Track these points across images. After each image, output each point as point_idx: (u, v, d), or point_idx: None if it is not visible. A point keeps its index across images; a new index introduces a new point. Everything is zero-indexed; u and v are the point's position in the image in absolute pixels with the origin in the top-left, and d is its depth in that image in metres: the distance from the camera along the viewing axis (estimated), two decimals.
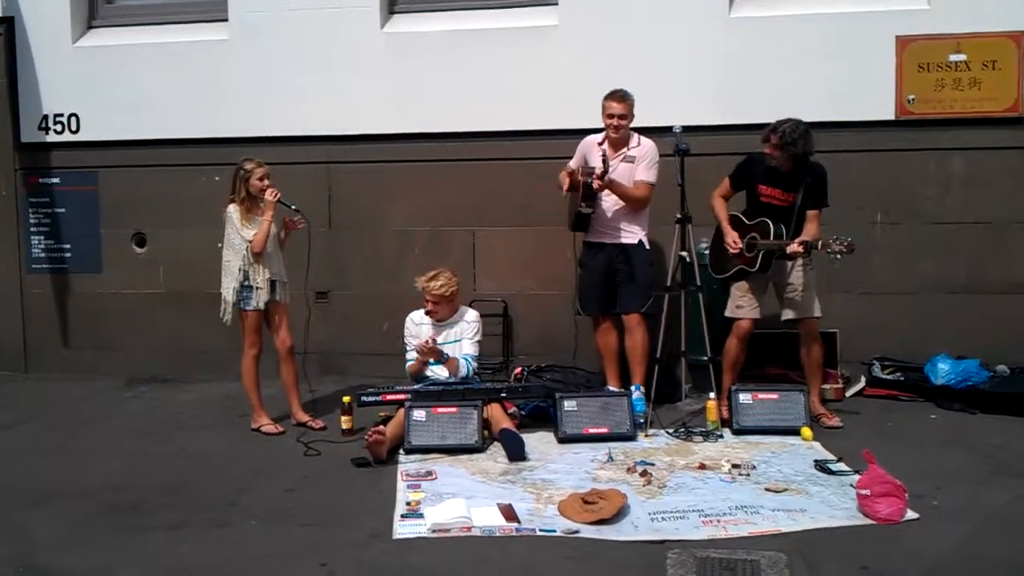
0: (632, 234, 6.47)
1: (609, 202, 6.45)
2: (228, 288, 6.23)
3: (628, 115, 6.38)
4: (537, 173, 7.18)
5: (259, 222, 6.18)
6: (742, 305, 6.28)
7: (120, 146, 8.15)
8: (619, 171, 6.37)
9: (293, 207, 6.37)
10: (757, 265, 6.15)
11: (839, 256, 5.76)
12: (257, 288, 6.20)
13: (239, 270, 6.17)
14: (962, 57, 7.02)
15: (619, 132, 6.39)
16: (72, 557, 4.33)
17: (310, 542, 4.40)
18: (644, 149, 6.43)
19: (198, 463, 5.68)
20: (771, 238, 6.06)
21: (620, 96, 6.38)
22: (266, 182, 6.23)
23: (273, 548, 4.35)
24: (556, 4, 7.55)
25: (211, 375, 7.73)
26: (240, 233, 6.16)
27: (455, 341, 6.34)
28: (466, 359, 6.28)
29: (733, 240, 6.21)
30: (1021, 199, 7.08)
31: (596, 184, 6.18)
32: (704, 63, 7.28)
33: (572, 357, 7.07)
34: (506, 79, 7.54)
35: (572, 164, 6.61)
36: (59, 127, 8.25)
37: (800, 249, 5.89)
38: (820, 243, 5.86)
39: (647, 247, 6.51)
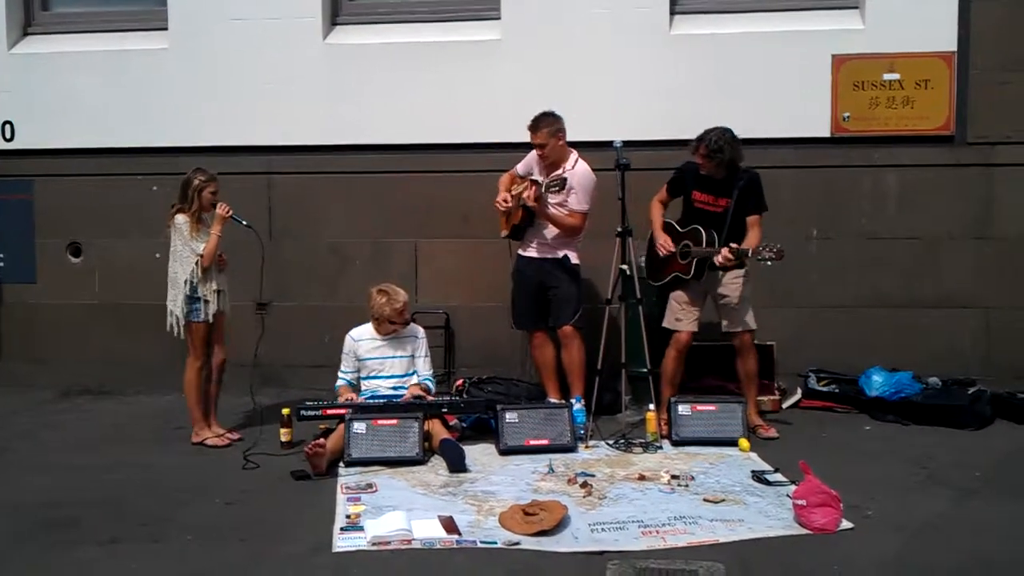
0: (559, 249, 6.48)
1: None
2: (175, 300, 6.10)
3: (548, 141, 6.35)
4: (479, 185, 7.17)
5: (208, 234, 6.10)
6: (681, 318, 6.33)
7: (55, 154, 8.00)
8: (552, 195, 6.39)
9: (244, 223, 6.24)
10: (691, 272, 6.23)
11: (769, 263, 5.86)
12: (206, 300, 6.11)
13: (186, 282, 6.06)
14: (896, 76, 7.18)
15: (545, 161, 6.40)
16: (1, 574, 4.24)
17: (249, 557, 4.34)
18: (577, 176, 6.37)
19: (134, 477, 5.58)
20: (703, 245, 6.15)
21: (533, 125, 6.38)
22: (217, 196, 6.16)
23: (211, 564, 4.30)
24: (499, 19, 7.58)
25: (148, 387, 7.60)
26: (189, 245, 6.05)
27: (405, 356, 6.34)
28: (427, 381, 6.34)
29: (663, 243, 6.27)
30: (952, 215, 7.25)
31: (530, 203, 6.27)
32: (645, 79, 7.35)
33: (519, 368, 7.09)
34: (449, 92, 7.55)
35: (519, 168, 6.66)
36: None
37: (730, 256, 5.97)
38: (751, 250, 5.95)
39: (574, 261, 6.52)
